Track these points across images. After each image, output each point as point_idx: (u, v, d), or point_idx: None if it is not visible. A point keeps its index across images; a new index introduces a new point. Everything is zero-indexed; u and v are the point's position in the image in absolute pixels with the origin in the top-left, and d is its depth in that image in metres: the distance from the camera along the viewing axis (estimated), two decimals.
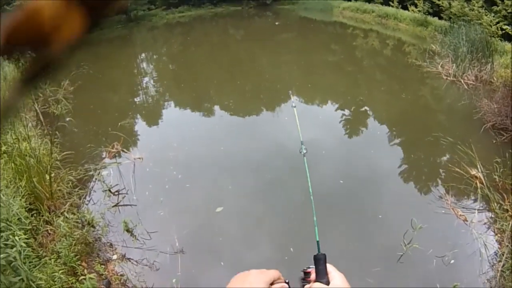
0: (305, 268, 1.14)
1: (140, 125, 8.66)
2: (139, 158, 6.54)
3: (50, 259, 3.76)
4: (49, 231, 4.40)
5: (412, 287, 3.99)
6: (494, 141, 6.22)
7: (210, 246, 4.72)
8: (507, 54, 9.47)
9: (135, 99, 10.69)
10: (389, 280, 4.08)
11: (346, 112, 8.49)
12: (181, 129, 8.22)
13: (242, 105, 9.50)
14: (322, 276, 1.05)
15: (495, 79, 8.41)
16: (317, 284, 1.03)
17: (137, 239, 4.76)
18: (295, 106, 2.15)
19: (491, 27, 10.66)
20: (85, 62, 11.52)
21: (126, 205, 5.45)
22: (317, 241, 1.29)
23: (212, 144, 7.10)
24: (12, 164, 4.58)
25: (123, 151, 6.77)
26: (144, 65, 14.62)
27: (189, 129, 8.06)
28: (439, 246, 4.39)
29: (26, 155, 4.70)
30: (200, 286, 4.17)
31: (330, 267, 1.07)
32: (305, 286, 1.08)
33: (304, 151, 1.71)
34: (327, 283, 1.03)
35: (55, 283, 3.44)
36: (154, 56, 15.91)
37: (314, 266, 1.11)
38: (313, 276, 1.08)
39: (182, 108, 9.88)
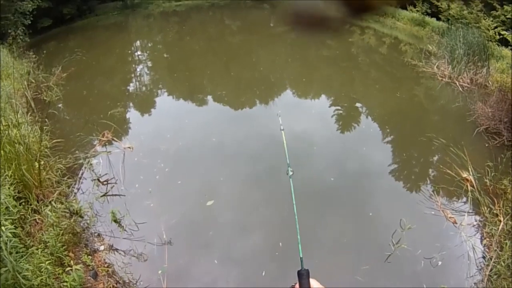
0: (293, 284, 1.17)
1: (132, 114, 8.60)
2: (129, 147, 6.49)
3: (37, 249, 3.71)
4: (37, 220, 4.34)
5: None
6: (486, 145, 6.24)
7: (198, 238, 4.71)
8: (504, 59, 9.48)
9: (128, 87, 10.60)
10: (377, 279, 4.09)
11: (340, 107, 8.47)
12: (173, 119, 8.15)
13: (235, 97, 9.46)
14: None
15: (490, 83, 8.43)
16: None
17: (125, 230, 4.73)
18: (283, 129, 2.12)
19: (489, 31, 10.66)
20: (79, 48, 11.40)
21: (115, 195, 5.42)
22: (301, 258, 1.31)
23: (204, 135, 7.08)
24: (2, 151, 4.50)
25: (113, 140, 6.70)
26: (139, 53, 14.47)
27: (181, 119, 8.01)
28: (427, 247, 4.40)
29: (16, 142, 4.63)
30: (186, 277, 4.17)
31: (312, 281, 1.13)
32: None
33: (291, 173, 1.72)
34: None
35: (42, 273, 3.40)
36: (149, 44, 15.76)
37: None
38: None
39: (174, 98, 9.82)
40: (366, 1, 0.44)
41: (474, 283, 3.99)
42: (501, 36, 10.62)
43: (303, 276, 1.13)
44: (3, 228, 2.93)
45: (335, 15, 0.44)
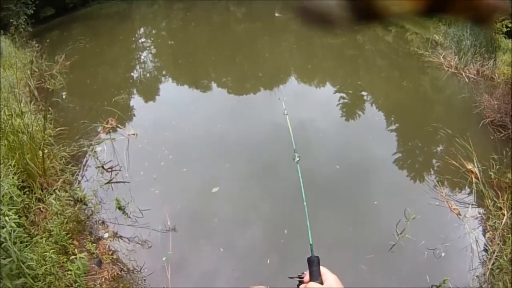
0: (300, 274, 1.16)
1: (136, 101, 8.60)
2: (134, 134, 6.49)
3: (41, 238, 3.74)
4: (41, 209, 4.37)
5: (402, 278, 4.01)
6: (491, 137, 6.18)
7: (203, 225, 4.74)
8: (510, 52, 9.35)
9: (132, 75, 10.58)
10: (381, 269, 4.12)
11: (345, 95, 8.41)
12: (177, 106, 8.14)
13: (240, 84, 9.44)
14: (316, 277, 1.09)
15: (496, 75, 8.28)
16: (312, 283, 1.07)
17: (129, 217, 4.75)
18: (287, 114, 2.09)
19: (496, 23, 10.48)
20: (82, 36, 11.36)
21: (119, 182, 5.44)
22: (311, 244, 1.31)
23: (208, 122, 7.06)
24: (5, 140, 4.51)
25: (117, 127, 6.70)
26: (143, 40, 14.40)
27: (185, 106, 7.99)
28: (431, 238, 4.41)
29: (19, 132, 4.63)
30: (190, 264, 4.22)
31: (323, 269, 1.10)
32: (300, 286, 1.11)
33: (298, 159, 1.70)
34: (321, 283, 1.07)
35: (46, 262, 3.42)
36: (153, 31, 15.67)
37: (307, 272, 1.13)
38: (306, 277, 1.11)
39: (179, 85, 9.80)
40: (376, 9, 0.44)
41: (476, 276, 3.99)
42: (508, 29, 10.46)
43: (314, 263, 1.11)
44: (6, 218, 2.95)
45: (342, 17, 0.44)
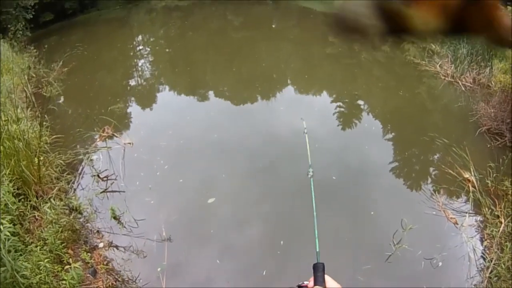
0: (300, 283, 1.19)
1: (133, 109, 8.58)
2: (129, 143, 6.47)
3: (36, 247, 3.71)
4: (36, 217, 4.33)
5: None
6: (488, 145, 6.18)
7: (199, 235, 4.70)
8: (507, 60, 9.39)
9: (130, 82, 10.56)
10: (378, 279, 4.09)
11: (342, 105, 8.42)
12: (174, 114, 8.13)
13: (237, 93, 9.43)
14: (320, 282, 1.13)
15: (493, 83, 8.29)
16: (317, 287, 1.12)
17: (124, 227, 4.73)
18: (306, 133, 2.17)
19: None
20: (80, 43, 11.37)
21: (115, 191, 5.41)
22: (317, 252, 1.40)
23: (205, 131, 7.04)
24: (1, 147, 4.48)
25: (114, 135, 6.69)
26: (140, 47, 14.42)
27: (182, 115, 7.97)
28: (428, 247, 4.39)
29: (15, 138, 4.61)
30: (185, 275, 4.18)
31: (327, 277, 1.15)
32: None
33: (311, 174, 1.76)
34: None
35: (41, 271, 3.39)
36: (151, 39, 15.71)
37: (307, 282, 1.17)
38: (311, 284, 1.15)
39: (176, 93, 9.80)
40: (405, 25, 0.45)
41: (474, 285, 3.97)
42: None
43: (319, 269, 1.16)
44: (1, 227, 2.92)
45: (375, 28, 0.46)
